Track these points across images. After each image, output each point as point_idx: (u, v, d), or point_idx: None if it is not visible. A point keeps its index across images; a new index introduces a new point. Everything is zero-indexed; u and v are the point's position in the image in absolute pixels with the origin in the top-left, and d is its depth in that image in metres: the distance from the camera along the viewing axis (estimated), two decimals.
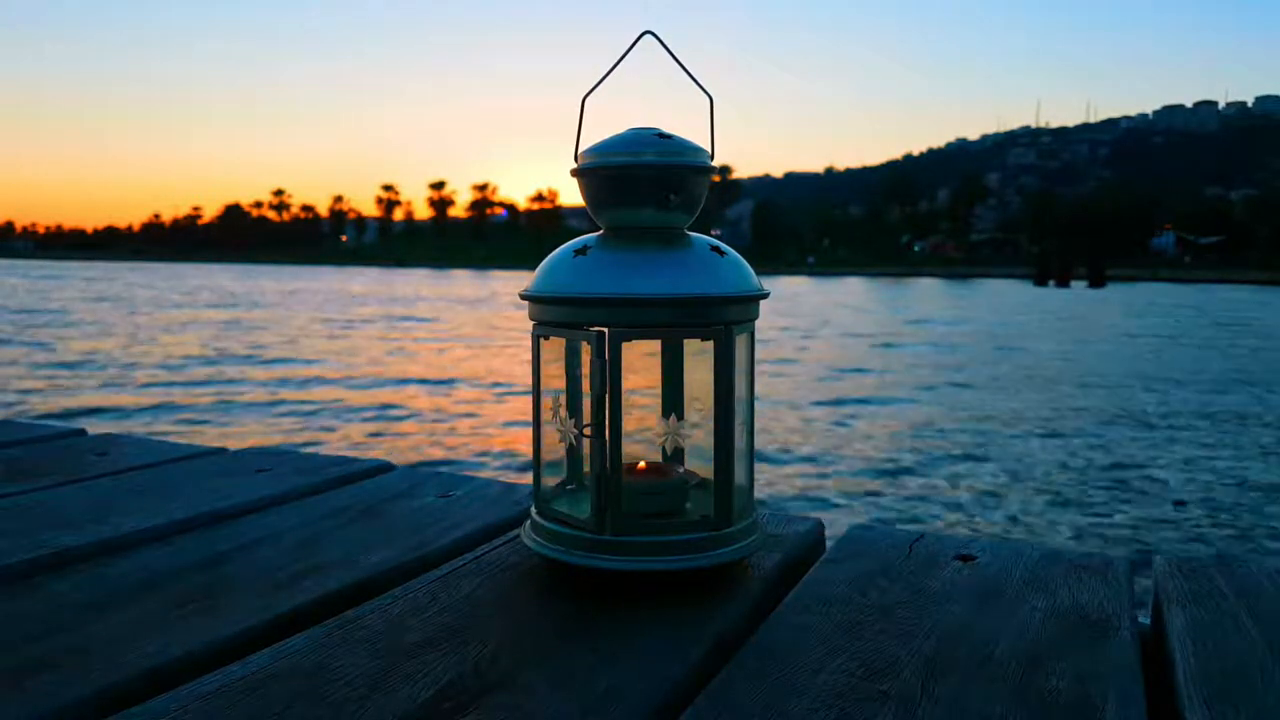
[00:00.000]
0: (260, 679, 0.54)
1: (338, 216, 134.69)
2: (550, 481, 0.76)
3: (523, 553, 0.75)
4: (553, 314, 0.69)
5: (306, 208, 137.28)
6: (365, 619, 0.63)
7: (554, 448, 0.75)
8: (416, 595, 0.67)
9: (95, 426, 1.35)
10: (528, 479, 0.81)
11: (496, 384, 9.82)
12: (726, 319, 0.67)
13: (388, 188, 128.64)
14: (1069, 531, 4.63)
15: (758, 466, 0.75)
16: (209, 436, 6.67)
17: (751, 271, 0.71)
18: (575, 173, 0.71)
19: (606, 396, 0.66)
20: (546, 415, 0.73)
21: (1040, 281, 47.04)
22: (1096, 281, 45.83)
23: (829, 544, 0.81)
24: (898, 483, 5.62)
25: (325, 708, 0.51)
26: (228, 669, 0.55)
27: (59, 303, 22.95)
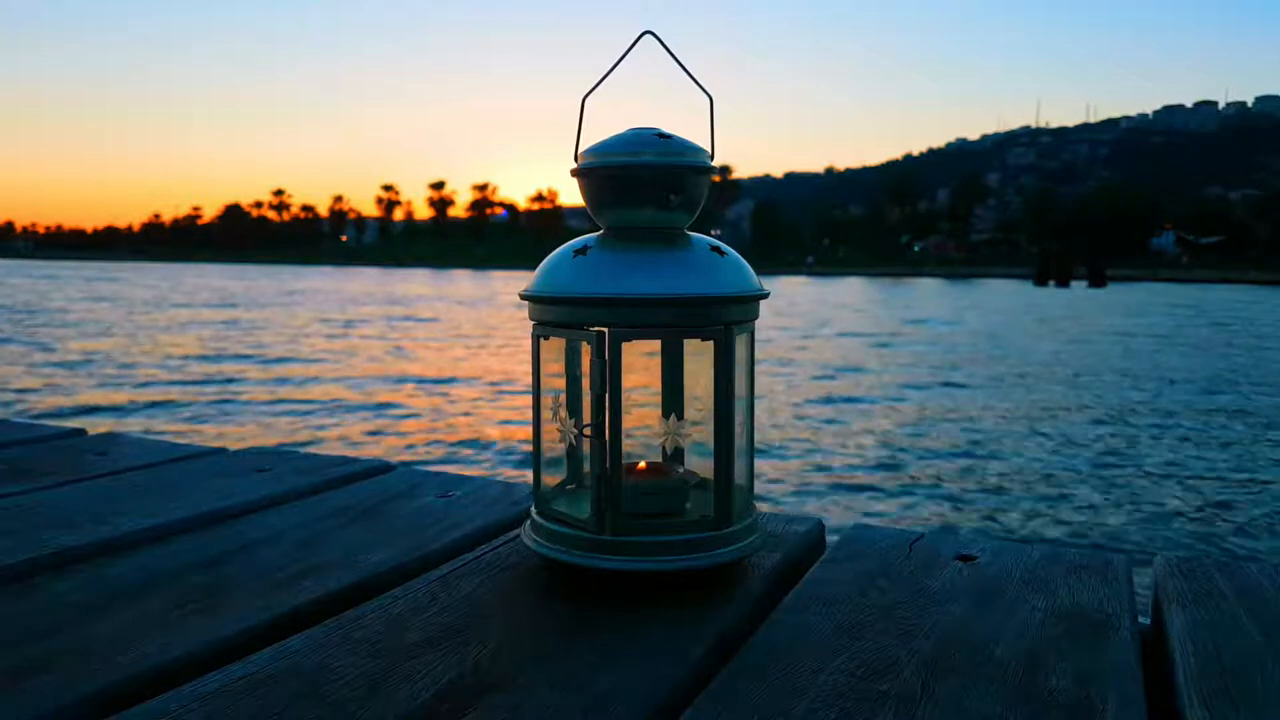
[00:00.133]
0: (260, 679, 0.54)
1: (338, 216, 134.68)
2: (550, 481, 0.76)
3: (523, 553, 0.75)
4: (553, 314, 0.69)
5: (306, 208, 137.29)
6: (365, 619, 0.63)
7: (554, 448, 0.75)
8: (416, 595, 0.67)
9: (95, 426, 1.35)
10: (528, 478, 0.81)
11: (496, 383, 9.83)
12: (726, 319, 0.67)
13: (388, 188, 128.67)
14: (1046, 517, 4.75)
15: (756, 461, 0.75)
16: (209, 436, 6.67)
17: (751, 271, 0.71)
18: (575, 173, 0.71)
19: (606, 396, 0.66)
20: (546, 415, 0.73)
21: (1040, 281, 47.04)
22: (1096, 281, 45.83)
23: (829, 544, 0.81)
24: (886, 474, 5.73)
25: (325, 708, 0.51)
26: (228, 669, 0.55)
27: (59, 302, 22.95)
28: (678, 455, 0.78)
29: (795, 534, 0.81)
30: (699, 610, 0.64)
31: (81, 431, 1.24)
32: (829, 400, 8.76)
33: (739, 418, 0.69)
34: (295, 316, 19.44)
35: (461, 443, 6.61)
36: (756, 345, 0.75)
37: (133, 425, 6.97)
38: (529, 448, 0.74)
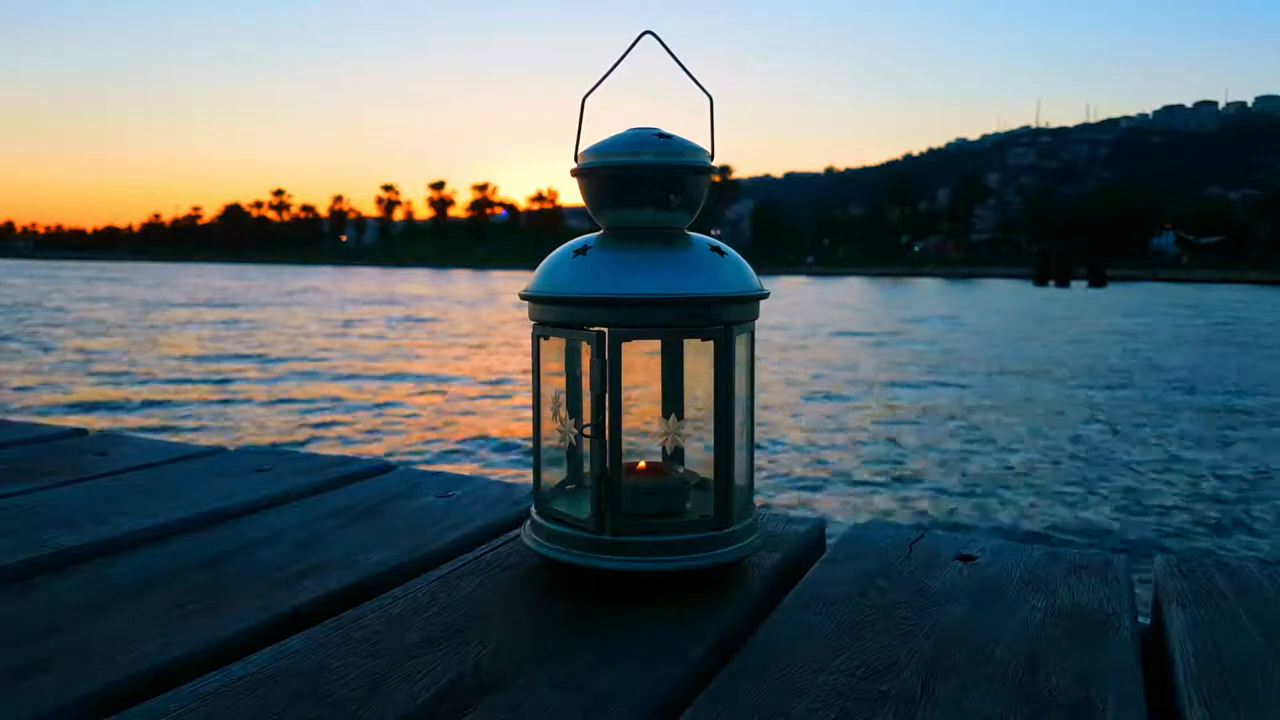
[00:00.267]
0: (260, 679, 0.54)
1: (338, 216, 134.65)
2: (550, 481, 0.76)
3: (523, 553, 0.75)
4: (553, 314, 0.69)
5: (306, 208, 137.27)
6: (365, 619, 0.63)
7: (554, 448, 0.75)
8: (416, 595, 0.67)
9: (95, 424, 1.34)
10: (528, 478, 0.81)
11: (496, 383, 9.83)
12: (726, 319, 0.67)
13: (388, 188, 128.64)
14: (1047, 516, 4.81)
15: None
16: (209, 436, 6.67)
17: (751, 271, 0.71)
18: (575, 173, 0.71)
19: (606, 396, 0.66)
20: (546, 415, 0.73)
21: (1040, 281, 47.03)
22: (1096, 281, 45.82)
23: (829, 544, 0.81)
24: (884, 472, 5.80)
25: (325, 708, 0.51)
26: (228, 669, 0.55)
27: (59, 302, 22.95)
28: (678, 455, 0.78)
29: (795, 534, 0.81)
30: (699, 610, 0.64)
31: (82, 431, 1.24)
32: (828, 398, 8.77)
33: (739, 418, 0.69)
34: (295, 316, 19.44)
35: (462, 442, 6.61)
36: (756, 345, 0.75)
37: (133, 425, 6.97)
38: (529, 447, 0.74)
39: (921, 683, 0.54)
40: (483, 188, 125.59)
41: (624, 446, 0.67)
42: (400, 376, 10.15)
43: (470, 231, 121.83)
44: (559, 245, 0.71)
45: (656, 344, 0.77)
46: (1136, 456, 6.38)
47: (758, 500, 0.76)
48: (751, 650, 0.59)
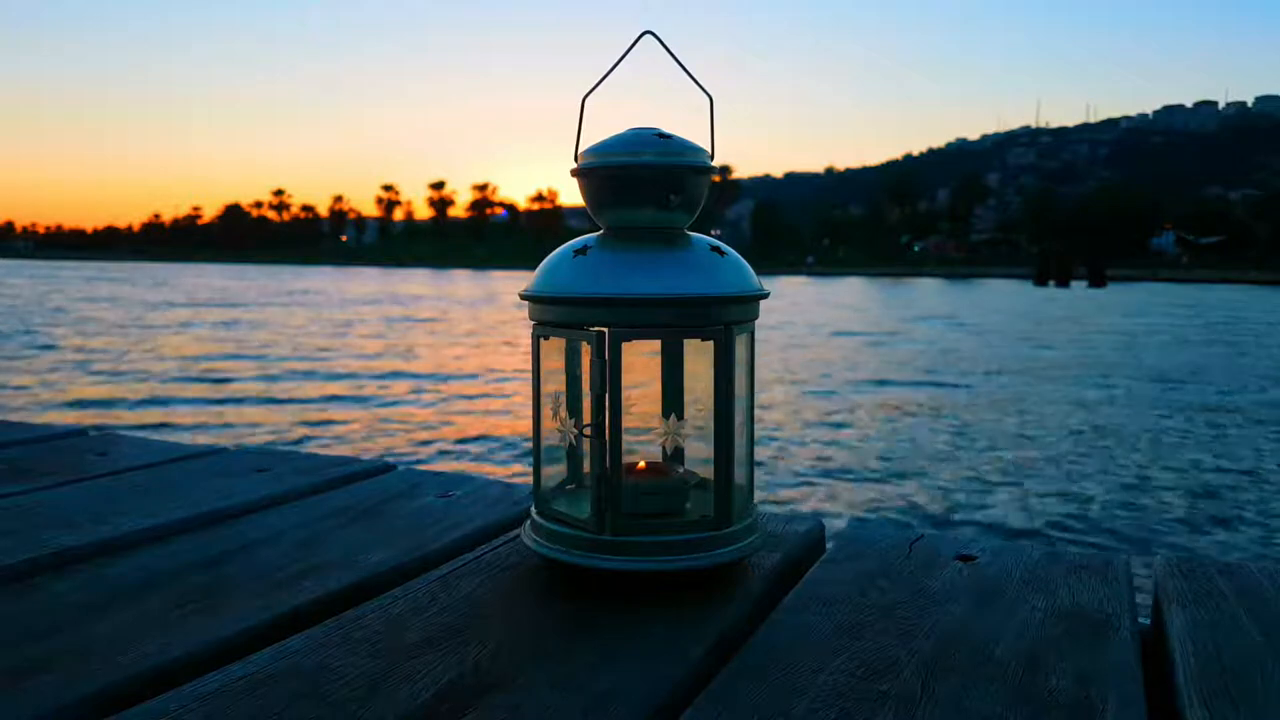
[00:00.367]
0: (260, 679, 0.54)
1: (338, 216, 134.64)
2: (550, 481, 0.76)
3: (523, 553, 0.75)
4: (553, 314, 0.69)
5: (306, 208, 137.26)
6: (365, 619, 0.63)
7: (554, 448, 0.75)
8: (416, 595, 0.67)
9: (95, 422, 1.35)
10: (528, 478, 0.81)
11: (496, 382, 9.83)
12: (726, 319, 0.67)
13: (388, 188, 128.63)
14: (1046, 515, 4.84)
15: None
16: (209, 436, 6.67)
17: (751, 271, 0.71)
18: (575, 173, 0.71)
19: (606, 396, 0.66)
20: (546, 415, 0.73)
21: (1040, 281, 47.02)
22: (1096, 281, 45.81)
23: (829, 544, 0.81)
24: (883, 470, 5.82)
25: (325, 708, 0.51)
26: (228, 669, 0.55)
27: (59, 302, 22.95)
28: (678, 455, 0.78)
29: (795, 534, 0.81)
30: (699, 610, 0.64)
31: (82, 431, 1.24)
32: (827, 397, 8.77)
33: (739, 418, 0.69)
34: (295, 316, 19.44)
35: (461, 442, 6.61)
36: (756, 345, 0.75)
37: (133, 425, 6.97)
38: (529, 447, 0.74)
39: (921, 683, 0.54)
40: (483, 188, 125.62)
41: (624, 446, 0.67)
42: (400, 376, 10.15)
43: (470, 231, 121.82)
44: (559, 245, 0.71)
45: (656, 344, 0.77)
46: (1137, 456, 6.39)
47: (758, 500, 0.76)
48: (751, 650, 0.59)
